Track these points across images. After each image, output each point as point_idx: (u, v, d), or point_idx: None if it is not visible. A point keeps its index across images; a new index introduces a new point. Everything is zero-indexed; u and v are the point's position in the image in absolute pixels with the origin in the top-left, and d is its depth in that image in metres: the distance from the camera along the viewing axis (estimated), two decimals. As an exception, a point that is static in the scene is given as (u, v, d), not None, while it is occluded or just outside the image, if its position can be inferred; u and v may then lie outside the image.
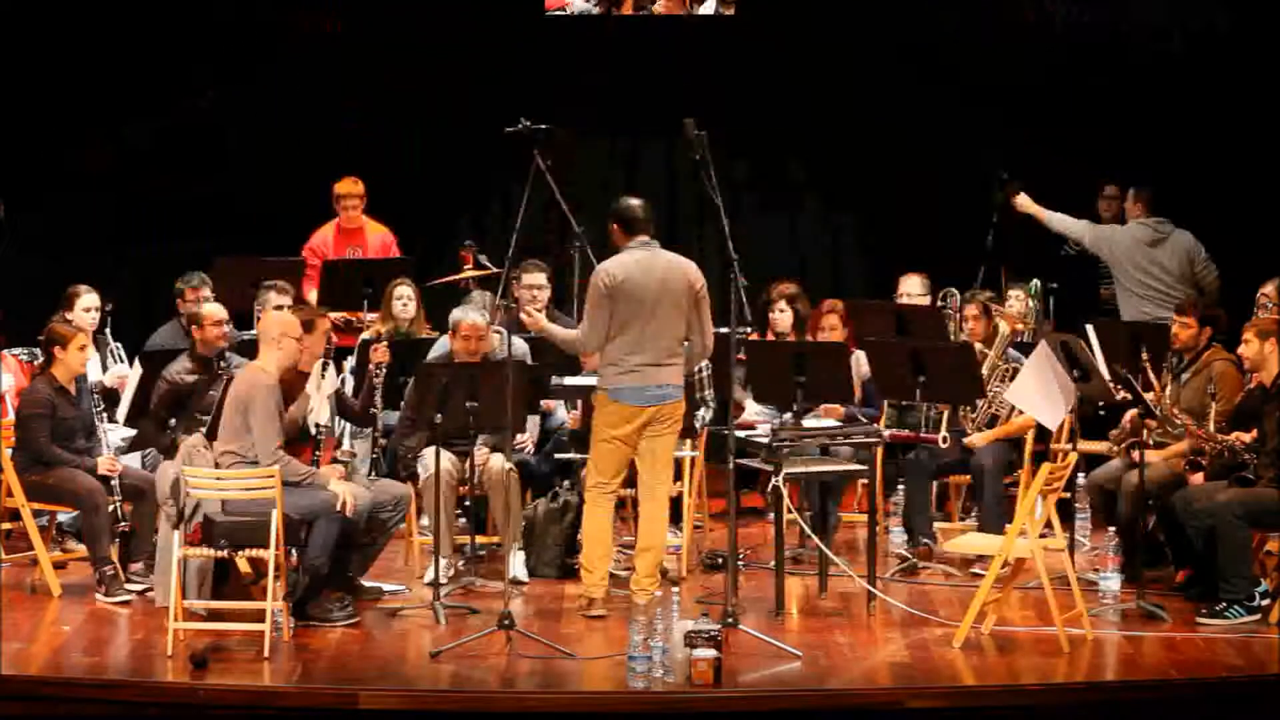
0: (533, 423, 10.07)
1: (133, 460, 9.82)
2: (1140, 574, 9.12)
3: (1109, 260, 11.88)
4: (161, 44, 12.86)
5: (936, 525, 10.37)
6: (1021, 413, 9.75)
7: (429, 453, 9.34)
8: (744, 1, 13.08)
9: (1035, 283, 11.47)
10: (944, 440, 10.06)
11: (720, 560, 9.83)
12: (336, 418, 9.59)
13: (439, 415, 8.98)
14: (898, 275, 11.57)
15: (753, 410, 10.38)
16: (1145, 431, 9.31)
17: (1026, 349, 9.98)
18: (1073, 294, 11.83)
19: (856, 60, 13.09)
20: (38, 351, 9.94)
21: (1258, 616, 8.87)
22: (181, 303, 10.77)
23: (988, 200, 11.83)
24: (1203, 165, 12.46)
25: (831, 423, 9.69)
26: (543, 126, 9.12)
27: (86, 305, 10.51)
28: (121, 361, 10.77)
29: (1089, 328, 9.91)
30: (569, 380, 9.67)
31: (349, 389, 10.23)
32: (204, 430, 9.09)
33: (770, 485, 9.45)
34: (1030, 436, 9.98)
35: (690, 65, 13.02)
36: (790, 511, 9.30)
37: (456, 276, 11.43)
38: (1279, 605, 8.87)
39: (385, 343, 10.10)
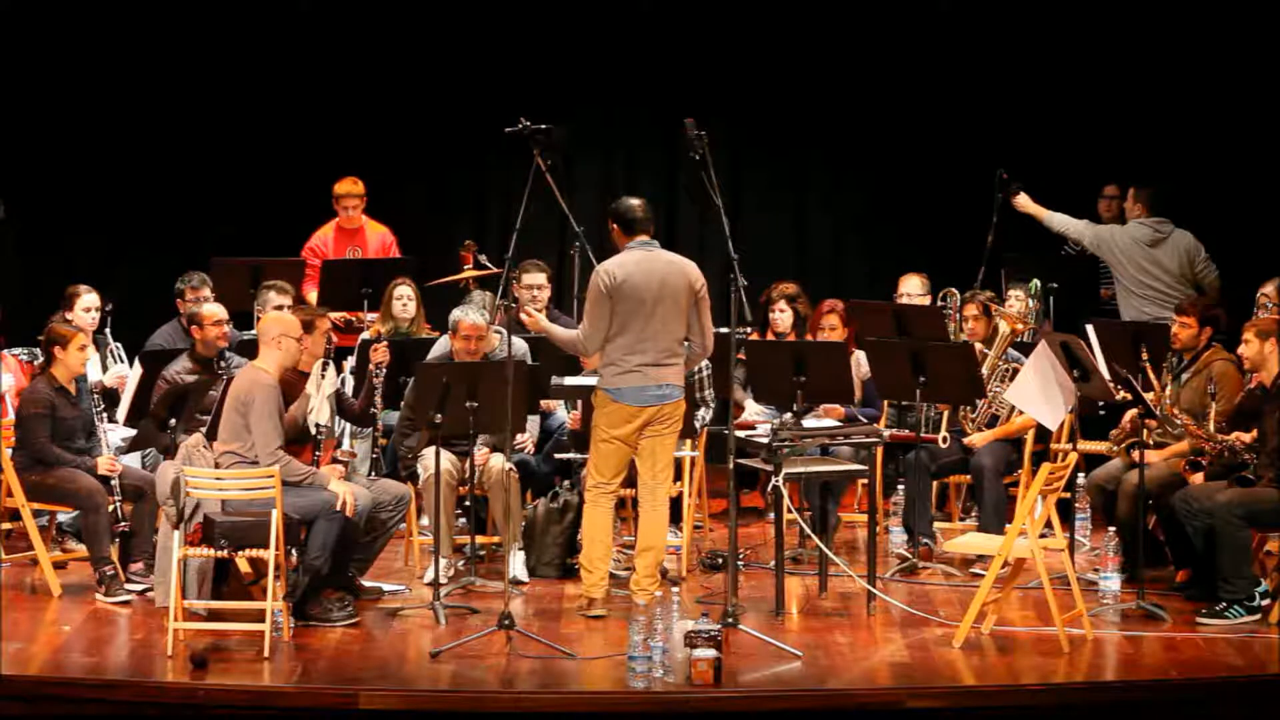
0: (533, 423, 10.07)
1: (133, 460, 9.82)
2: (1140, 574, 9.12)
3: (1109, 260, 11.88)
4: (162, 43, 12.86)
5: (936, 525, 10.38)
6: (1021, 413, 9.76)
7: (429, 453, 9.34)
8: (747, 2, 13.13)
9: (1035, 283, 11.46)
10: (944, 440, 10.07)
11: (720, 560, 9.83)
12: (336, 418, 9.59)
13: (439, 415, 8.98)
14: (898, 275, 11.59)
15: (753, 410, 10.38)
16: (1145, 431, 9.31)
17: (1026, 349, 9.98)
18: (1073, 294, 11.83)
19: (856, 60, 13.10)
20: (38, 351, 9.94)
21: (1258, 616, 8.87)
22: (181, 303, 10.78)
23: (988, 200, 11.82)
24: (1203, 165, 12.47)
25: (831, 423, 9.69)
26: (543, 126, 9.12)
27: (86, 305, 10.52)
28: (121, 361, 10.77)
29: (1089, 328, 9.90)
30: (569, 380, 9.67)
31: (349, 389, 10.23)
32: (204, 430, 9.09)
33: (770, 485, 9.45)
34: (1030, 436, 9.99)
35: (690, 65, 13.02)
36: (790, 511, 9.30)
37: (456, 276, 11.43)
38: (1279, 605, 8.88)
39: (385, 343, 10.10)
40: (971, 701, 7.92)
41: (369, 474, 9.81)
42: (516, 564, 9.54)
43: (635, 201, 9.01)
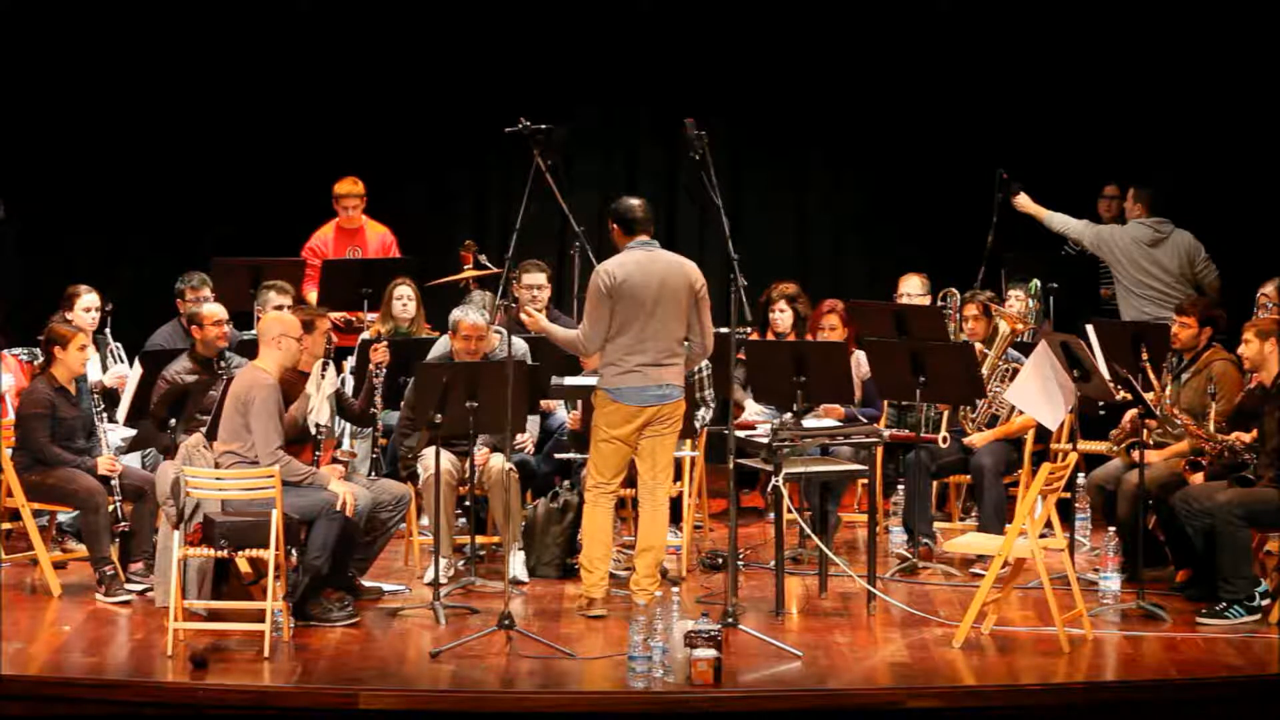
0: (533, 423, 10.07)
1: (133, 460, 9.83)
2: (1140, 574, 9.12)
3: (1109, 260, 11.89)
4: (162, 43, 12.86)
5: (936, 525, 10.38)
6: (1021, 413, 9.76)
7: (429, 453, 9.34)
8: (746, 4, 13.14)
9: (1035, 283, 11.46)
10: (944, 440, 10.07)
11: (720, 560, 9.83)
12: (336, 418, 9.59)
13: (439, 415, 8.98)
14: (898, 275, 11.59)
15: (753, 410, 10.38)
16: (1145, 431, 9.32)
17: (1026, 349, 9.98)
18: (1073, 294, 11.83)
19: (856, 60, 13.09)
20: (38, 351, 9.94)
21: (1258, 616, 8.87)
22: (181, 303, 10.79)
23: (988, 200, 11.83)
24: (1203, 165, 12.47)
25: (831, 423, 9.69)
26: (543, 126, 9.13)
27: (86, 305, 10.52)
28: (121, 361, 10.77)
29: (1089, 328, 9.90)
30: (569, 380, 9.67)
31: (349, 389, 10.23)
32: (204, 430, 9.09)
33: (770, 485, 9.45)
34: (1030, 436, 9.99)
35: (690, 65, 13.02)
36: (790, 511, 9.30)
37: (456, 276, 11.43)
38: (1279, 605, 8.88)
39: (385, 343, 10.11)
40: (971, 701, 7.91)
41: (369, 474, 9.81)
42: (516, 564, 9.54)
43: (635, 201, 9.01)
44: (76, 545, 9.86)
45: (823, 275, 12.97)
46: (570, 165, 11.41)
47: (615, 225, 9.02)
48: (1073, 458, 8.97)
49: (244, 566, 9.22)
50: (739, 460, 8.90)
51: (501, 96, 12.01)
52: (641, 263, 8.87)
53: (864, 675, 8.20)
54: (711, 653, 7.83)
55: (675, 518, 9.76)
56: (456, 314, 9.79)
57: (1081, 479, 9.93)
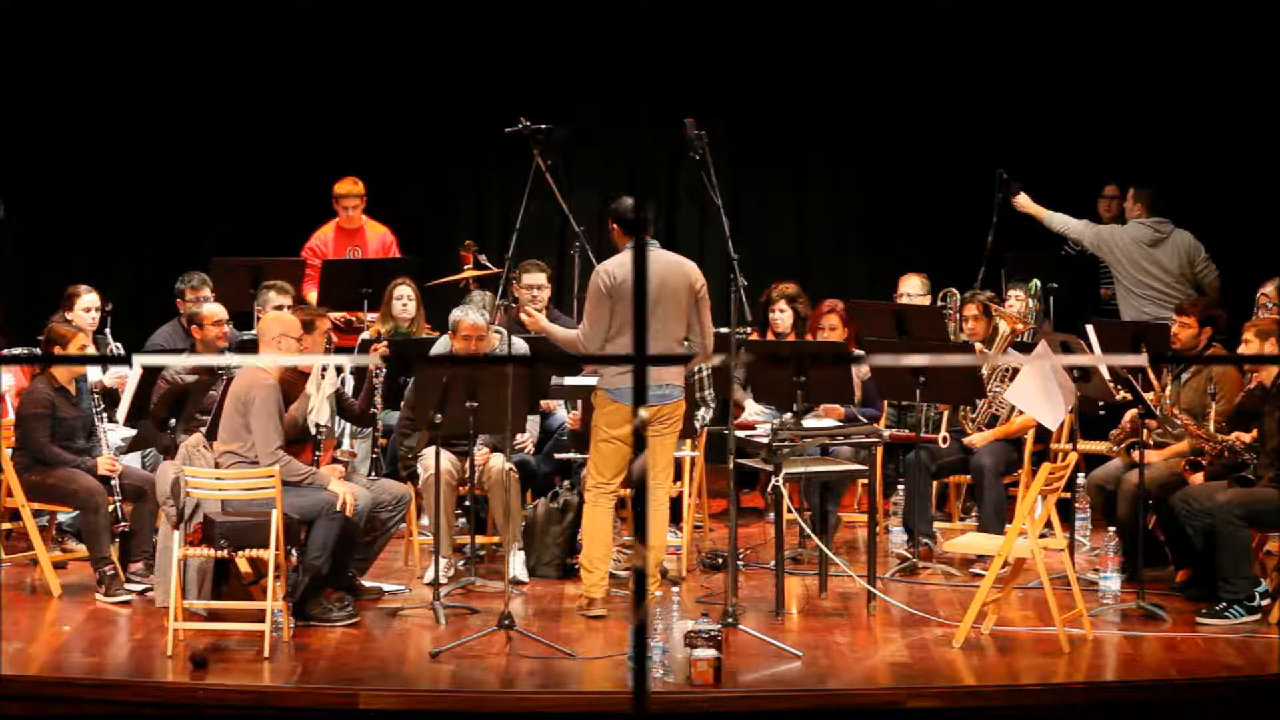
0: (533, 423, 10.07)
1: (133, 460, 9.82)
2: (1140, 574, 9.12)
3: (1109, 260, 11.89)
4: (162, 43, 12.86)
5: (936, 525, 10.38)
6: (1021, 413, 9.76)
7: (429, 453, 9.34)
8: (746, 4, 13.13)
9: (1035, 283, 11.46)
10: (944, 440, 10.07)
11: (720, 560, 9.83)
12: (336, 418, 9.59)
13: (439, 415, 8.98)
14: (898, 275, 11.59)
15: (753, 410, 10.38)
16: (1145, 431, 9.32)
17: (1026, 349, 9.98)
18: (1073, 294, 11.83)
19: (855, 60, 13.09)
20: (38, 351, 9.93)
21: (1258, 616, 8.87)
22: (181, 303, 10.79)
23: (988, 200, 11.83)
24: (1203, 165, 12.47)
25: (831, 423, 9.69)
26: (543, 126, 9.13)
27: (86, 305, 10.52)
28: (121, 361, 10.78)
29: (1089, 328, 9.91)
30: (569, 380, 9.67)
31: (349, 389, 10.23)
32: (204, 430, 9.09)
33: (770, 485, 9.45)
34: (1030, 436, 9.99)
35: (690, 65, 13.02)
36: (790, 511, 9.30)
37: (456, 276, 11.43)
38: (1279, 605, 8.87)
39: (385, 343, 10.10)
40: (971, 701, 7.91)
41: (369, 474, 9.81)
42: (516, 564, 9.53)
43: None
44: (76, 545, 9.86)
45: (823, 275, 12.96)
46: (570, 165, 11.40)
47: (615, 225, 9.02)
48: (1073, 458, 8.97)
49: (244, 566, 9.22)
50: (739, 460, 8.90)
51: (501, 96, 12.01)
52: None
53: (864, 675, 8.20)
54: (711, 653, 7.83)
55: (675, 518, 9.76)
56: (456, 314, 9.79)
57: (1081, 479, 9.93)
